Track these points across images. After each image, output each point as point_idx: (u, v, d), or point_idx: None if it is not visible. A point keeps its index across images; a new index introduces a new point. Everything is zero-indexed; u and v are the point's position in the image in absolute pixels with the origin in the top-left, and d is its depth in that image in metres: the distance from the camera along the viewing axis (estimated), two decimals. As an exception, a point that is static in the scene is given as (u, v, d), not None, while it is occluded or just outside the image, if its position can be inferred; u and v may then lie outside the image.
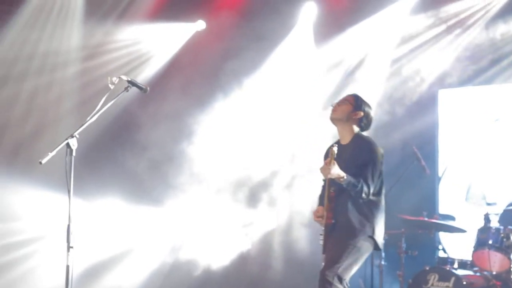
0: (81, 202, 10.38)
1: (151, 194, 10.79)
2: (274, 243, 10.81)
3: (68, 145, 6.38)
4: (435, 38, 10.48)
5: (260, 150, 10.68)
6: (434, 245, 9.75)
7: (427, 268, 8.77)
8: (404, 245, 9.15)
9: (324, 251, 6.66)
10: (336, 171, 6.35)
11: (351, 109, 6.82)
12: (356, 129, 6.84)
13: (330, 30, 10.80)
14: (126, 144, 10.81)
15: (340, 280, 6.47)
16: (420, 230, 9.29)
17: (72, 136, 6.42)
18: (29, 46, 10.67)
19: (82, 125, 6.58)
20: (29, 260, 10.05)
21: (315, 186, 7.20)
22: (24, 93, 10.76)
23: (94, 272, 10.23)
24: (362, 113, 6.84)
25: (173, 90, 10.80)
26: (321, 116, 9.72)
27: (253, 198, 10.82)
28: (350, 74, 10.74)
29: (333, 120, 6.88)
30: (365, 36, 10.63)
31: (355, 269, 6.64)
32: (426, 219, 9.14)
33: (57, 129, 10.34)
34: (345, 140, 6.81)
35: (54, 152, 6.26)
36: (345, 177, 6.37)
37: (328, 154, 6.63)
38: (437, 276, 8.63)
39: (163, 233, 10.72)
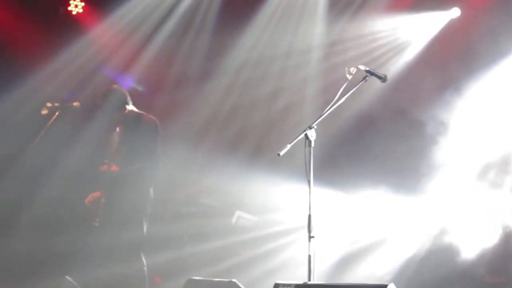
0: (343, 195, 10.65)
1: (411, 182, 10.72)
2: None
3: (306, 136, 6.58)
4: None
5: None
6: None
7: None
8: None
9: None
10: None
11: None
12: None
13: None
14: (384, 134, 10.83)
15: None
16: None
17: (310, 128, 6.60)
18: (271, 46, 11.10)
19: (320, 116, 6.74)
20: (289, 249, 10.37)
21: None
22: (267, 94, 11.21)
23: (349, 261, 10.36)
24: None
25: (426, 78, 10.70)
26: None
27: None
28: None
29: None
30: None
31: None
32: None
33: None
34: None
35: (292, 144, 6.48)
36: None
37: None
38: None
39: (419, 221, 10.60)
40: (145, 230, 8.72)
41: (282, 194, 10.51)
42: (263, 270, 10.07)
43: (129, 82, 11.34)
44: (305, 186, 6.59)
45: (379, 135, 10.82)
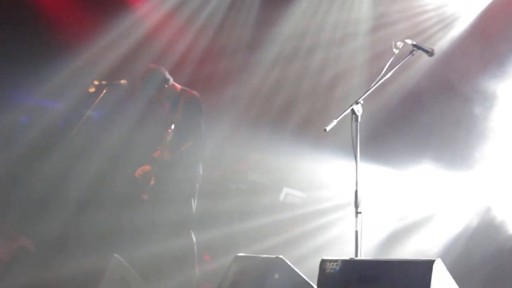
0: (390, 170, 10.59)
1: (458, 157, 10.60)
2: None
3: (353, 111, 6.53)
4: None
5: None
6: None
7: None
8: None
9: None
10: None
11: None
12: None
13: None
14: (431, 108, 10.72)
15: None
16: None
17: (356, 103, 6.55)
18: (318, 18, 11.03)
19: (367, 91, 6.69)
20: (336, 226, 10.35)
21: None
22: (313, 67, 11.12)
23: (396, 237, 10.31)
24: None
25: (474, 52, 10.54)
26: None
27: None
28: None
29: None
30: None
31: None
32: None
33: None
34: None
35: (338, 119, 6.44)
36: None
37: None
38: None
39: (467, 197, 10.49)
40: (194, 207, 8.76)
41: (329, 170, 10.48)
42: (311, 247, 10.08)
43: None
44: (352, 162, 6.57)
45: (425, 109, 10.69)
